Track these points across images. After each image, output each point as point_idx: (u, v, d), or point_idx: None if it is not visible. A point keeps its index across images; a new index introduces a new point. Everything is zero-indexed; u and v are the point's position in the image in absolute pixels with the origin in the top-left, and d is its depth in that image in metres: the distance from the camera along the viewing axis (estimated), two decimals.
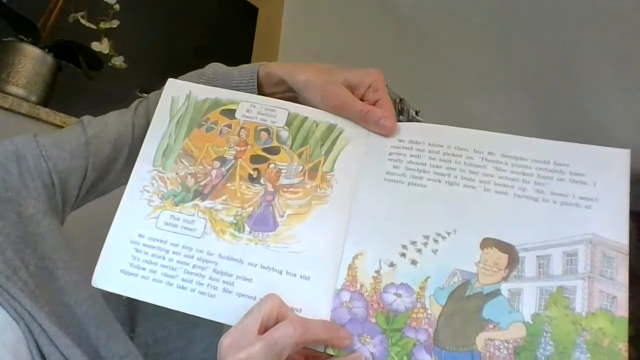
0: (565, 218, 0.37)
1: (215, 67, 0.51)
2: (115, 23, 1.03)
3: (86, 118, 0.51)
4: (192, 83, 0.46)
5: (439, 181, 0.40)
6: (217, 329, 0.35)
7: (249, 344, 0.31)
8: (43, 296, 0.39)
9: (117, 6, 1.02)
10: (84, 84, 0.99)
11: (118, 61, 1.05)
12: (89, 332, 0.41)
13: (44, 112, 0.92)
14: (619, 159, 0.38)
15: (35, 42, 0.91)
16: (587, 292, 0.35)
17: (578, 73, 2.06)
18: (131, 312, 0.58)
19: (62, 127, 0.90)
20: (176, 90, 0.45)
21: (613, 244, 0.36)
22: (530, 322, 0.35)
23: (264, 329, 0.33)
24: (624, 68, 1.95)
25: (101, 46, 1.01)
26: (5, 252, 0.38)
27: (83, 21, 1.00)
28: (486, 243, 0.37)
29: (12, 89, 0.88)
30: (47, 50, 0.93)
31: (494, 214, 0.38)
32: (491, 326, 0.35)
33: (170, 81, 0.46)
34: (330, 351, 0.35)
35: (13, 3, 0.91)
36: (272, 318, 0.34)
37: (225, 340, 0.32)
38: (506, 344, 0.35)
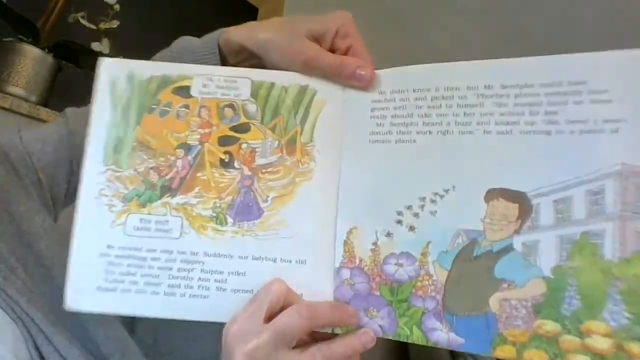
0: (586, 149, 0.30)
1: (181, 42, 0.45)
2: (115, 23, 0.99)
3: (69, 110, 0.47)
4: (130, 60, 0.38)
5: (430, 132, 0.34)
6: (218, 327, 0.33)
7: (256, 333, 0.30)
8: (42, 294, 0.37)
9: (117, 6, 0.98)
10: (84, 84, 0.95)
11: None
12: (88, 329, 0.40)
13: (44, 112, 0.88)
14: None
15: (35, 42, 0.88)
16: (618, 235, 0.29)
17: None
18: None
19: None
20: (113, 72, 0.37)
21: None
22: (551, 276, 0.30)
23: (269, 316, 0.31)
24: None
25: (101, 46, 0.97)
26: (2, 252, 0.37)
27: (83, 21, 0.96)
28: (491, 195, 0.32)
29: (12, 89, 0.85)
30: (47, 50, 0.89)
31: (498, 160, 0.32)
32: (505, 285, 0.31)
33: (105, 62, 0.37)
34: (337, 330, 0.34)
35: (13, 3, 0.87)
36: (279, 304, 0.32)
37: (231, 329, 0.31)
38: (524, 302, 0.31)
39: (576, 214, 0.30)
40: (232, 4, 1.53)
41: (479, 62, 0.33)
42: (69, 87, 0.96)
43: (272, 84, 0.37)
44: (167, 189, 0.35)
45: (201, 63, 0.39)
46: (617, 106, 0.29)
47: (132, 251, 0.34)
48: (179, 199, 0.35)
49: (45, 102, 0.90)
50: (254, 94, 0.37)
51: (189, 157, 0.36)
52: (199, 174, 0.36)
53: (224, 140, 0.36)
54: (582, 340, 0.29)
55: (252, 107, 0.37)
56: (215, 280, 0.34)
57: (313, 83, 0.37)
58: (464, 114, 0.33)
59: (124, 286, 0.34)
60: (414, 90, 0.34)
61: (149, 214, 0.35)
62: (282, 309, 0.32)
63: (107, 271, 0.34)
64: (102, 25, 0.98)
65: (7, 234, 0.38)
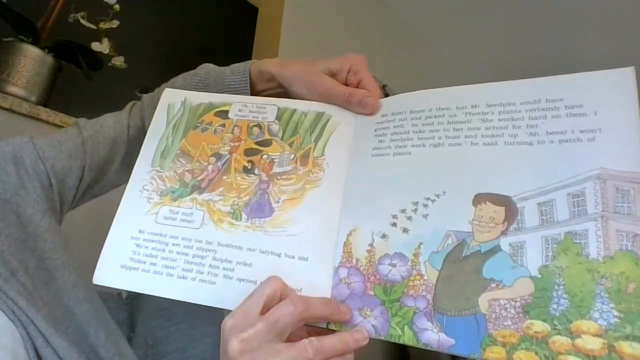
0: (565, 157, 0.32)
1: (206, 68, 0.50)
2: (115, 23, 0.98)
3: (82, 120, 0.49)
4: (187, 91, 0.47)
5: (423, 145, 0.37)
6: (217, 328, 0.34)
7: (251, 324, 0.31)
8: (41, 297, 0.38)
9: (117, 6, 0.98)
10: (84, 84, 0.95)
11: (118, 61, 1.01)
12: (88, 331, 0.40)
13: (44, 112, 0.87)
14: (621, 80, 0.31)
15: (35, 42, 0.87)
16: (601, 234, 0.29)
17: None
18: (131, 313, 0.56)
19: (62, 127, 0.86)
20: (172, 98, 0.45)
21: (626, 175, 0.30)
22: (538, 275, 0.30)
23: (266, 310, 0.32)
24: None
25: (101, 46, 0.96)
26: (3, 254, 0.37)
27: (83, 21, 0.95)
28: (479, 199, 0.34)
29: (12, 89, 0.84)
30: (47, 50, 0.88)
31: (485, 168, 0.34)
32: (494, 285, 0.31)
33: (167, 90, 0.46)
34: (332, 327, 0.34)
35: (13, 3, 0.86)
36: (275, 299, 0.33)
37: (229, 322, 0.32)
38: (513, 303, 0.31)
39: (559, 215, 0.31)
40: (232, 4, 1.51)
41: (467, 86, 0.37)
42: (69, 87, 0.98)
43: (294, 110, 0.43)
44: (197, 188, 0.40)
45: (230, 89, 0.46)
46: (592, 118, 0.32)
47: (158, 236, 0.38)
48: (205, 195, 0.40)
49: (45, 102, 0.89)
50: (279, 117, 0.43)
51: (219, 164, 0.41)
52: (224, 177, 0.41)
53: (249, 152, 0.42)
54: (572, 341, 0.28)
55: (275, 127, 0.43)
56: (224, 268, 0.37)
57: (329, 110, 0.42)
58: (454, 129, 0.36)
59: (145, 267, 0.37)
60: (411, 112, 0.38)
61: (179, 206, 0.40)
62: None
63: (134, 252, 0.38)
64: (102, 25, 0.97)
65: (11, 237, 0.39)
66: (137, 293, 0.38)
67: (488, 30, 2.00)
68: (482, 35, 2.03)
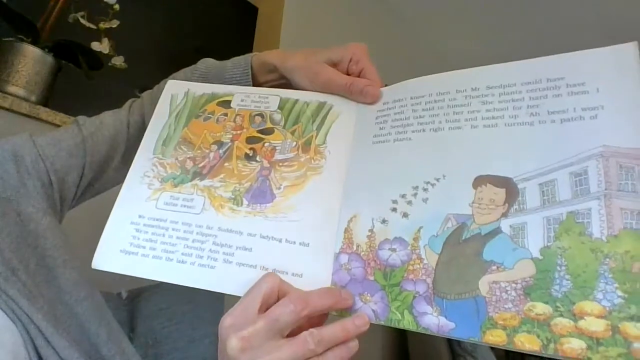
0: (567, 136, 0.31)
1: (207, 62, 0.50)
2: (115, 23, 0.98)
3: (81, 118, 0.49)
4: (190, 82, 0.47)
5: (424, 130, 0.37)
6: (217, 329, 0.31)
7: (251, 322, 0.30)
8: (42, 295, 0.37)
9: (117, 6, 0.98)
10: (84, 84, 0.94)
11: (118, 61, 1.01)
12: (89, 330, 0.39)
13: (44, 112, 0.87)
14: (623, 56, 0.31)
15: (35, 42, 0.87)
16: (604, 213, 0.28)
17: None
18: (131, 313, 0.56)
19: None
20: (175, 89, 0.46)
21: (630, 151, 0.29)
22: (540, 257, 0.29)
23: (265, 308, 0.31)
24: None
25: (101, 46, 0.96)
26: (3, 253, 0.36)
27: (83, 21, 0.95)
28: (479, 181, 0.33)
29: (12, 89, 0.83)
30: (47, 50, 0.88)
31: (485, 150, 0.34)
32: (494, 267, 0.31)
33: (170, 82, 0.47)
34: (333, 312, 0.34)
35: (13, 3, 0.87)
36: (273, 295, 0.32)
37: (226, 321, 0.31)
38: (513, 285, 0.30)
39: (561, 195, 0.30)
40: (232, 4, 1.51)
41: (467, 69, 0.37)
42: (69, 87, 0.97)
43: (297, 100, 0.44)
44: (198, 174, 0.41)
45: (232, 81, 0.47)
46: (594, 96, 0.31)
47: (158, 222, 0.38)
48: (206, 182, 0.40)
49: (45, 102, 0.89)
50: (281, 107, 0.44)
51: (220, 151, 0.42)
52: (226, 164, 0.41)
53: (251, 140, 0.42)
54: (575, 322, 0.27)
55: (277, 116, 0.43)
56: (224, 253, 0.36)
57: (331, 100, 0.43)
58: (454, 112, 0.36)
59: (144, 251, 0.37)
60: (411, 98, 0.38)
61: (179, 192, 0.40)
62: (277, 301, 0.32)
63: (134, 237, 0.38)
64: (102, 25, 0.97)
65: (12, 235, 0.38)
66: (136, 293, 0.38)
67: (488, 27, 1.98)
68: (482, 32, 2.01)
